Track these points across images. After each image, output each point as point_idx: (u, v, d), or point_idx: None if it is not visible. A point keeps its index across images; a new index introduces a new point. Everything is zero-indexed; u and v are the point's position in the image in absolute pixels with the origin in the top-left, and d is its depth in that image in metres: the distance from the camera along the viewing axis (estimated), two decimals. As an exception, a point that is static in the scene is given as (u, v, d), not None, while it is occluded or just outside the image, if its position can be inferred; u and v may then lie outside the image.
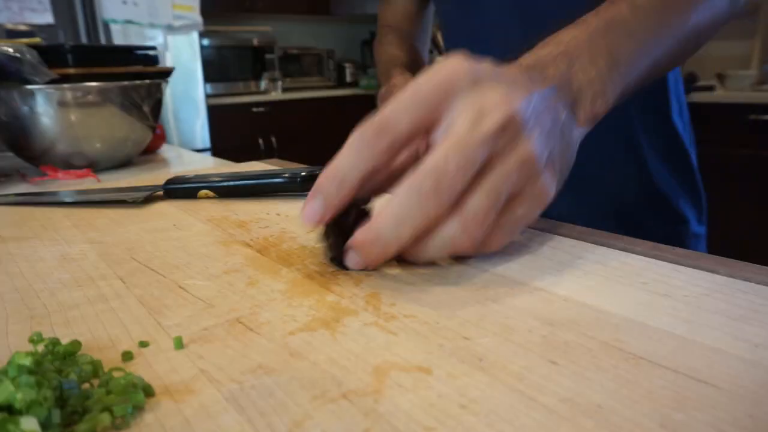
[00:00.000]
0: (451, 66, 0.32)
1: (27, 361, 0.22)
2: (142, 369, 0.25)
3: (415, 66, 0.80)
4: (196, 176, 0.59)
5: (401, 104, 0.31)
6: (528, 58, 0.38)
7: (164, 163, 0.95)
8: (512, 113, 0.31)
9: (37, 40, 1.19)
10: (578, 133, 0.37)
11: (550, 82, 0.36)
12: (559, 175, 0.35)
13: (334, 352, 0.26)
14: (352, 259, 0.33)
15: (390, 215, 0.30)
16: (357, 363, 0.25)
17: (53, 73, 0.82)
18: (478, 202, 0.30)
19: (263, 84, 3.81)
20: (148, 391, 0.23)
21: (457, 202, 0.30)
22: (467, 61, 0.32)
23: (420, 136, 0.32)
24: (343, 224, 0.34)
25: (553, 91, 0.35)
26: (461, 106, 0.31)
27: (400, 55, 0.81)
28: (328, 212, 0.32)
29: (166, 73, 1.00)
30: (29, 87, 0.78)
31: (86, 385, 0.23)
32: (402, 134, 0.31)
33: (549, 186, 0.33)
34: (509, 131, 0.31)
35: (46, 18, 2.27)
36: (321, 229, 0.35)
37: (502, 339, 0.26)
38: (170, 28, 2.83)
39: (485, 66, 0.33)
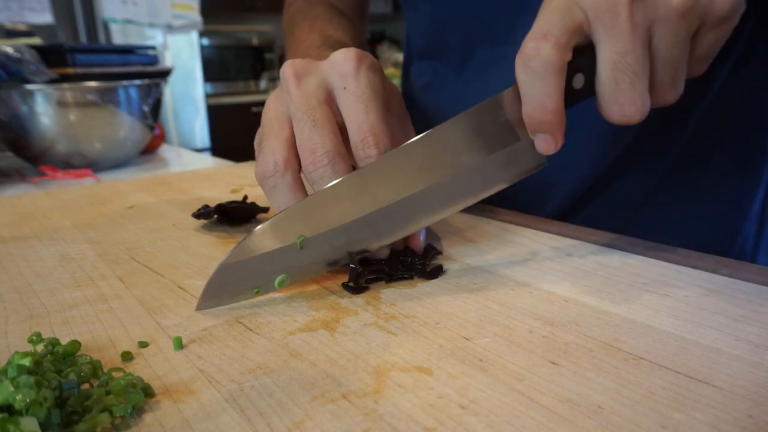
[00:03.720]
0: None
1: (26, 361, 0.22)
2: (141, 369, 0.25)
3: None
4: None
5: (545, 22, 0.31)
6: None
7: (163, 163, 0.95)
8: None
9: (36, 39, 1.19)
10: None
11: None
12: None
13: (333, 353, 0.26)
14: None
15: (628, 95, 0.30)
16: (357, 363, 0.25)
17: (53, 73, 0.82)
18: (664, 69, 0.31)
19: (263, 83, 3.81)
20: (148, 392, 0.23)
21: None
22: None
23: (577, 38, 0.32)
24: (370, 258, 0.34)
25: None
26: None
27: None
28: (558, 142, 0.33)
29: (166, 73, 1.00)
30: (29, 87, 0.78)
31: (86, 386, 0.23)
32: (563, 40, 0.30)
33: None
34: None
35: (46, 18, 2.27)
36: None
37: (503, 339, 0.26)
38: (170, 28, 2.83)
39: None
